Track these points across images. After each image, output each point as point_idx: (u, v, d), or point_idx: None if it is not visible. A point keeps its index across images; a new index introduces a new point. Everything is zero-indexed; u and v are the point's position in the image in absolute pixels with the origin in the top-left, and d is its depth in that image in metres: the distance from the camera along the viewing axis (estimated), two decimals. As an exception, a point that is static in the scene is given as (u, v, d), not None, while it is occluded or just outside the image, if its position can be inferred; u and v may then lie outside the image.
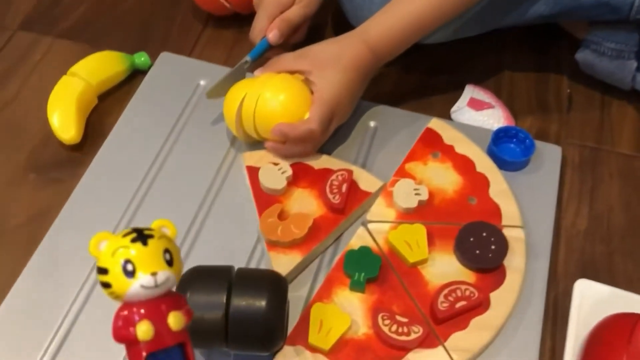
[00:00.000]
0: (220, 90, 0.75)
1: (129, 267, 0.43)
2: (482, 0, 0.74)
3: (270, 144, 0.72)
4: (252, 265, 0.68)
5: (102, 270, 0.44)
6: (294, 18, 0.77)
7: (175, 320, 0.44)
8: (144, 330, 0.43)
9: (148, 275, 0.43)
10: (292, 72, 0.72)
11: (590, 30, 0.80)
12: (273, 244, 0.67)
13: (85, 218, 0.71)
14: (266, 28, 0.76)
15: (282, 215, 0.69)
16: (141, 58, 0.85)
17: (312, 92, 0.71)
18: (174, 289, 0.46)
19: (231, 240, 0.70)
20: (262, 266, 0.68)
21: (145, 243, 0.44)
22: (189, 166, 0.75)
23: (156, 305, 0.44)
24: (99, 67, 0.81)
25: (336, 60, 0.71)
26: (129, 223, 0.70)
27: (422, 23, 0.72)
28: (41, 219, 0.72)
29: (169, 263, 0.44)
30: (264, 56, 0.77)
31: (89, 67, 0.81)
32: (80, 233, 0.68)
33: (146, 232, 0.44)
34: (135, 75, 0.86)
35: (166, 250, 0.44)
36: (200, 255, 0.68)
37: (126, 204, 0.72)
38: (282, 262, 0.66)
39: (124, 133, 0.78)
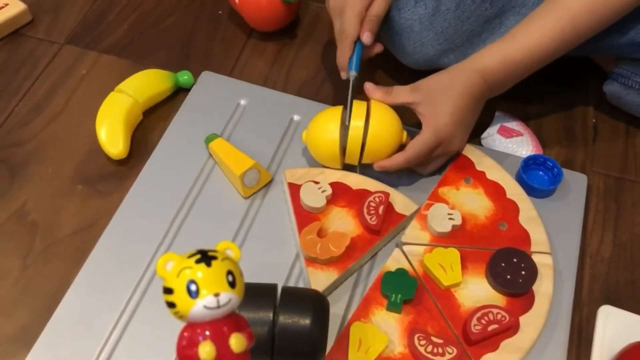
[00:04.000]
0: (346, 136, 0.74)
1: (193, 287, 0.44)
2: (595, 33, 0.73)
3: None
4: (292, 282, 0.71)
5: (168, 290, 0.45)
6: (380, 13, 0.77)
7: (236, 342, 0.45)
8: (206, 351, 0.44)
9: (211, 296, 0.44)
10: (405, 104, 0.74)
11: (618, 64, 0.83)
12: (311, 260, 0.70)
13: (132, 232, 0.74)
14: (359, 29, 0.76)
15: (320, 233, 0.72)
16: (184, 76, 0.88)
17: (421, 122, 0.73)
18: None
19: (271, 256, 0.73)
20: (301, 283, 0.71)
21: (209, 264, 0.45)
22: (229, 185, 0.78)
23: (219, 326, 0.45)
24: (145, 84, 0.85)
25: (446, 89, 0.72)
26: (175, 237, 0.74)
27: (538, 54, 0.72)
28: (89, 231, 0.76)
29: (232, 285, 0.45)
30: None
31: (136, 84, 0.84)
32: (128, 246, 0.73)
33: (210, 254, 0.46)
34: (178, 93, 0.89)
35: (229, 272, 0.45)
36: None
37: (171, 218, 0.75)
38: (320, 279, 0.69)
39: (169, 149, 0.82)
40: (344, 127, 0.74)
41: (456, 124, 0.72)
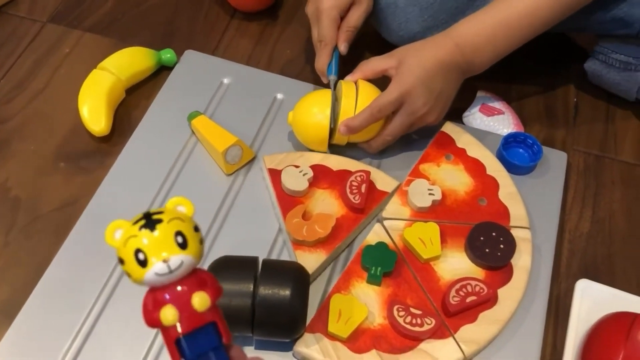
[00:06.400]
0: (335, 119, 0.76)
1: (141, 256, 0.42)
2: (582, 6, 0.73)
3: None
4: (273, 256, 0.71)
5: (120, 261, 0.43)
6: (357, 24, 0.80)
7: (199, 301, 0.43)
8: (167, 315, 0.43)
9: (160, 263, 0.41)
10: (381, 72, 0.75)
11: (599, 42, 0.84)
12: (299, 243, 0.70)
13: (114, 207, 0.74)
14: (336, 36, 0.79)
15: (305, 216, 0.72)
16: (167, 55, 0.88)
17: None
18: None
19: (253, 232, 0.73)
20: (283, 257, 0.71)
21: (153, 229, 0.42)
22: (211, 162, 0.79)
23: (179, 287, 0.43)
24: (128, 62, 0.85)
25: (416, 52, 0.73)
26: (157, 213, 0.74)
27: (516, 23, 0.72)
28: (71, 207, 0.76)
29: (182, 246, 0.42)
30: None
31: (118, 62, 0.84)
32: (110, 223, 0.72)
33: (155, 217, 0.43)
34: (160, 71, 0.89)
35: (178, 233, 0.42)
36: (223, 247, 0.72)
37: (153, 194, 0.75)
38: (309, 261, 0.69)
39: (151, 126, 0.82)
40: (333, 113, 0.74)
41: (422, 84, 0.71)
